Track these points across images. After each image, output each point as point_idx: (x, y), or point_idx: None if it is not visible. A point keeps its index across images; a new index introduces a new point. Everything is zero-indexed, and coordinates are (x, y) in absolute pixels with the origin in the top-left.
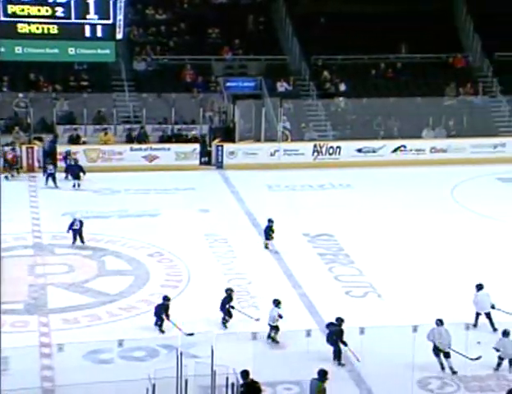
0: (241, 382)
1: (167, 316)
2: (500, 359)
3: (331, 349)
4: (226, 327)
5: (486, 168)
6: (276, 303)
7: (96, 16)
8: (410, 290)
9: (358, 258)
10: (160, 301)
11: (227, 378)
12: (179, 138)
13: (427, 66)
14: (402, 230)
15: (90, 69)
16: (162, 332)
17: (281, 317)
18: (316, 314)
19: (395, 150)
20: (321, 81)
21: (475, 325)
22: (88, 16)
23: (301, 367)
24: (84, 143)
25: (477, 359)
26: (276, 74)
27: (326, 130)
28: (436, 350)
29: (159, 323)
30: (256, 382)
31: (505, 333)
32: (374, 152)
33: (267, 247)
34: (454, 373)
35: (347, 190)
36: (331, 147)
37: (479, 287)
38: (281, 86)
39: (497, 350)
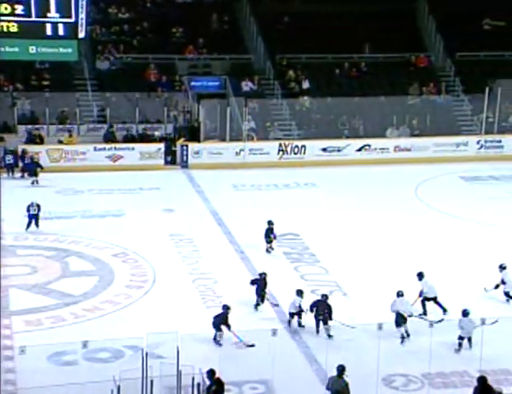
0: (208, 382)
1: (228, 326)
2: (461, 338)
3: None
4: (256, 309)
5: (449, 167)
6: (299, 293)
7: (57, 15)
8: (375, 288)
9: (324, 257)
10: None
11: (193, 378)
12: (144, 137)
13: (391, 65)
14: (367, 228)
15: (52, 68)
16: (220, 344)
17: (300, 307)
18: (282, 314)
19: (359, 149)
20: (285, 81)
21: (424, 313)
22: (49, 15)
23: (267, 366)
24: (41, 141)
25: (439, 321)
26: (241, 73)
27: (291, 129)
28: (399, 320)
29: (218, 335)
30: (221, 382)
31: (465, 313)
32: (339, 151)
33: (268, 251)
34: (408, 335)
35: (312, 189)
36: (296, 146)
37: (420, 276)
38: (246, 85)
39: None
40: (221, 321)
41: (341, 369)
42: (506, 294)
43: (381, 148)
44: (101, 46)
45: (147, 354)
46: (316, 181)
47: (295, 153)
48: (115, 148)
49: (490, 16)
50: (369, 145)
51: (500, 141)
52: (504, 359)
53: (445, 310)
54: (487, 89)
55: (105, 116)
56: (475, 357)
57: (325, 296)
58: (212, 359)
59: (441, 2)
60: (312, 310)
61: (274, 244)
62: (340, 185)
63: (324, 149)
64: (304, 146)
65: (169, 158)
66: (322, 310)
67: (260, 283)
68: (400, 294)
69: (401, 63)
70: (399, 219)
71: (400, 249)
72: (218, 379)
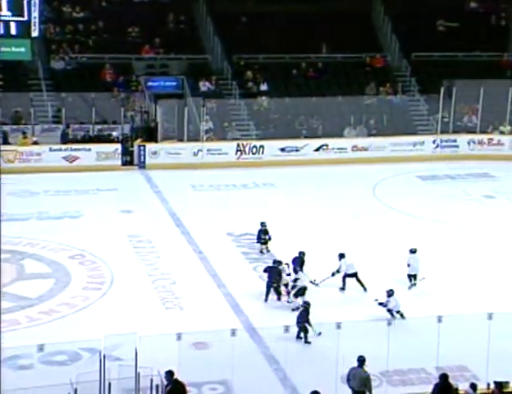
0: (165, 382)
1: (309, 322)
2: (409, 276)
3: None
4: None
5: (406, 166)
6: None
7: (9, 13)
8: (333, 287)
9: (282, 257)
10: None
11: (152, 380)
12: (100, 138)
13: (348, 65)
14: (325, 228)
15: (5, 67)
16: (308, 342)
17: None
18: (241, 313)
19: (317, 149)
20: (243, 81)
21: (343, 288)
22: (0, 13)
23: (226, 366)
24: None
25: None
26: (199, 73)
27: (249, 129)
28: (299, 292)
29: (303, 333)
30: (180, 382)
31: (412, 251)
32: (297, 151)
33: (262, 252)
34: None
35: (270, 189)
36: (255, 146)
37: (341, 256)
38: (204, 86)
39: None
40: (304, 319)
41: (362, 360)
42: (409, 276)
43: (338, 148)
44: (55, 45)
45: (104, 356)
46: (274, 181)
47: (253, 154)
48: (71, 148)
49: (444, 17)
50: (327, 145)
51: (455, 141)
52: (460, 356)
53: (365, 289)
54: (442, 90)
55: (60, 116)
56: (432, 354)
57: (278, 262)
58: (171, 361)
59: (396, 3)
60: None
61: (269, 245)
62: (299, 184)
63: (282, 149)
64: (262, 146)
65: (126, 159)
66: (274, 277)
67: (273, 272)
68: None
69: (358, 63)
70: (357, 218)
71: (357, 248)
72: (176, 380)
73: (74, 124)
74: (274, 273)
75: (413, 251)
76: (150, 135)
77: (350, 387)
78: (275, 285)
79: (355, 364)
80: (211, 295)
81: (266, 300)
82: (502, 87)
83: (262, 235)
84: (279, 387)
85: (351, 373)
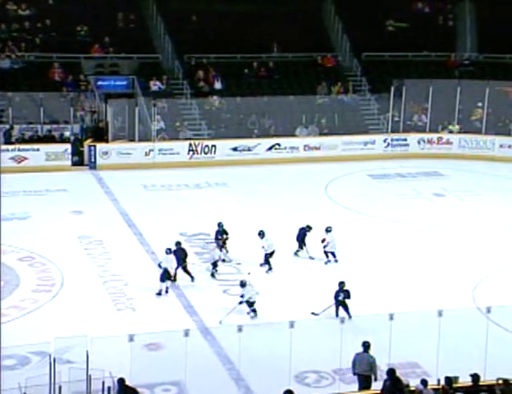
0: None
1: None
2: (327, 253)
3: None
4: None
5: (358, 165)
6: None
7: None
8: (287, 286)
9: (236, 256)
10: None
11: (103, 383)
12: (50, 138)
13: (299, 65)
14: (278, 227)
15: None
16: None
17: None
18: (194, 314)
19: (269, 148)
20: (195, 80)
21: (270, 268)
22: None
23: (180, 367)
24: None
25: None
26: (149, 73)
27: (200, 129)
28: (164, 276)
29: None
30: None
31: (328, 230)
32: (249, 150)
33: (224, 260)
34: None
35: (223, 189)
36: (207, 146)
37: (261, 235)
38: (155, 85)
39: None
40: None
41: (368, 345)
42: (326, 253)
43: (290, 147)
44: (1, 44)
45: (55, 359)
46: (227, 181)
47: (206, 153)
48: (19, 149)
49: (393, 17)
50: (279, 144)
51: (405, 139)
52: (411, 352)
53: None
54: (393, 89)
55: (7, 116)
56: (384, 351)
57: (179, 243)
58: (123, 362)
59: (346, 2)
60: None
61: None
62: (251, 184)
63: (234, 149)
64: (214, 146)
65: (76, 159)
66: (182, 258)
67: (179, 254)
68: (167, 252)
69: (309, 63)
70: (309, 217)
71: (310, 246)
72: (126, 386)
73: (21, 124)
74: (180, 254)
75: (329, 230)
76: (98, 135)
77: (355, 374)
78: (184, 265)
79: (310, 362)
80: (163, 296)
81: (174, 280)
82: (450, 86)
83: (220, 236)
84: (233, 387)
85: (357, 359)
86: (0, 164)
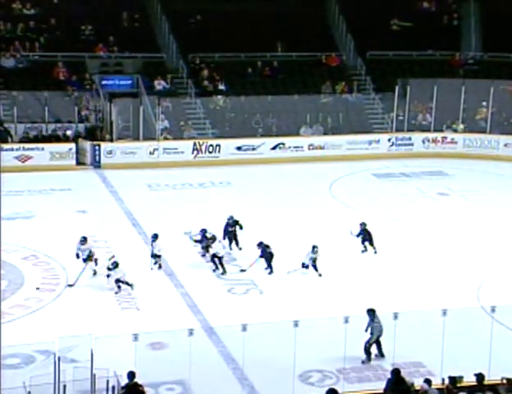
0: (123, 383)
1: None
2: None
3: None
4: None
5: (362, 164)
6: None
7: None
8: (291, 286)
9: (240, 256)
10: None
11: (108, 382)
12: (54, 138)
13: (303, 64)
14: (282, 227)
15: None
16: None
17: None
18: (198, 313)
19: (274, 148)
20: (199, 79)
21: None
22: None
23: (184, 366)
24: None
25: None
26: (154, 72)
27: (205, 128)
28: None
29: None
30: (139, 385)
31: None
32: (253, 149)
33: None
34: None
35: (227, 188)
36: (211, 145)
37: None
38: (159, 84)
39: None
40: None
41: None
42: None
43: (295, 147)
44: (5, 43)
45: (59, 358)
46: (231, 180)
47: (210, 152)
48: (23, 148)
49: (397, 16)
50: (283, 144)
51: (410, 139)
52: (415, 352)
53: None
54: (397, 88)
55: (12, 115)
56: (389, 351)
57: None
58: (127, 361)
59: (351, 2)
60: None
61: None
62: (256, 183)
63: (239, 148)
64: (218, 145)
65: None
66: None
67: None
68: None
69: (313, 62)
70: (313, 216)
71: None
72: (136, 383)
73: (26, 123)
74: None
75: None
76: (94, 134)
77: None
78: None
79: (313, 361)
80: (168, 295)
81: (159, 267)
82: (455, 86)
83: (230, 228)
84: (237, 387)
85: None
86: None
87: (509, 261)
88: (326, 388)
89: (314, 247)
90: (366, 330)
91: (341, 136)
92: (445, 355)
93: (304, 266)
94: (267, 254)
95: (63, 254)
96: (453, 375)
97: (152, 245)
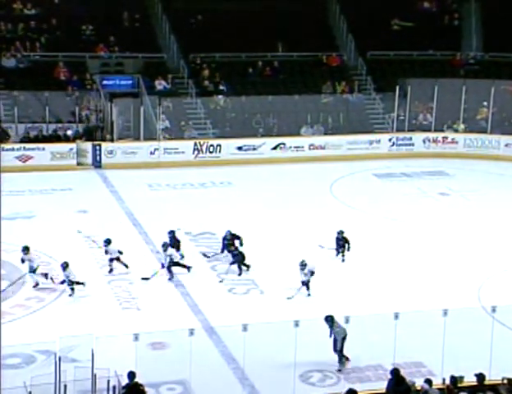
0: (123, 383)
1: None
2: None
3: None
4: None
5: (363, 164)
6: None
7: None
8: (292, 285)
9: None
10: None
11: (108, 381)
12: (55, 138)
13: (304, 64)
14: (283, 226)
15: None
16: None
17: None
18: (199, 313)
19: (274, 148)
20: (200, 79)
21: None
22: None
23: (184, 366)
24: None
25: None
26: (154, 72)
27: (206, 128)
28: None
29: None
30: (140, 385)
31: (302, 264)
32: (254, 149)
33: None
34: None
35: (228, 188)
36: (212, 145)
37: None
38: (160, 84)
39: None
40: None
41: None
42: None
43: (295, 147)
44: (6, 43)
45: (60, 358)
46: (232, 180)
47: (211, 152)
48: (24, 148)
49: (398, 16)
50: (284, 144)
51: (410, 139)
52: (416, 352)
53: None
54: (398, 88)
55: (13, 115)
56: (389, 351)
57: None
58: (128, 361)
59: (351, 1)
60: None
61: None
62: (256, 183)
63: (239, 148)
64: (219, 145)
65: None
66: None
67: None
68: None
69: (314, 62)
70: (314, 216)
71: (315, 246)
72: (136, 383)
73: (27, 123)
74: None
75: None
76: (91, 135)
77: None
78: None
79: (314, 362)
80: (168, 295)
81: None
82: (455, 86)
83: (226, 241)
84: (237, 386)
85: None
86: None
87: (510, 261)
88: (327, 388)
89: (303, 264)
90: (330, 336)
91: (342, 136)
92: (445, 355)
93: (304, 284)
94: (238, 255)
95: (64, 254)
96: (454, 375)
97: (164, 252)
